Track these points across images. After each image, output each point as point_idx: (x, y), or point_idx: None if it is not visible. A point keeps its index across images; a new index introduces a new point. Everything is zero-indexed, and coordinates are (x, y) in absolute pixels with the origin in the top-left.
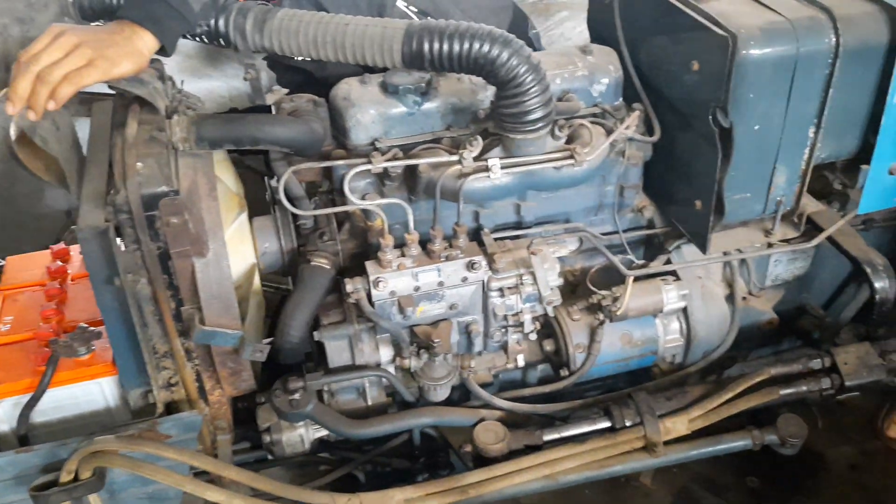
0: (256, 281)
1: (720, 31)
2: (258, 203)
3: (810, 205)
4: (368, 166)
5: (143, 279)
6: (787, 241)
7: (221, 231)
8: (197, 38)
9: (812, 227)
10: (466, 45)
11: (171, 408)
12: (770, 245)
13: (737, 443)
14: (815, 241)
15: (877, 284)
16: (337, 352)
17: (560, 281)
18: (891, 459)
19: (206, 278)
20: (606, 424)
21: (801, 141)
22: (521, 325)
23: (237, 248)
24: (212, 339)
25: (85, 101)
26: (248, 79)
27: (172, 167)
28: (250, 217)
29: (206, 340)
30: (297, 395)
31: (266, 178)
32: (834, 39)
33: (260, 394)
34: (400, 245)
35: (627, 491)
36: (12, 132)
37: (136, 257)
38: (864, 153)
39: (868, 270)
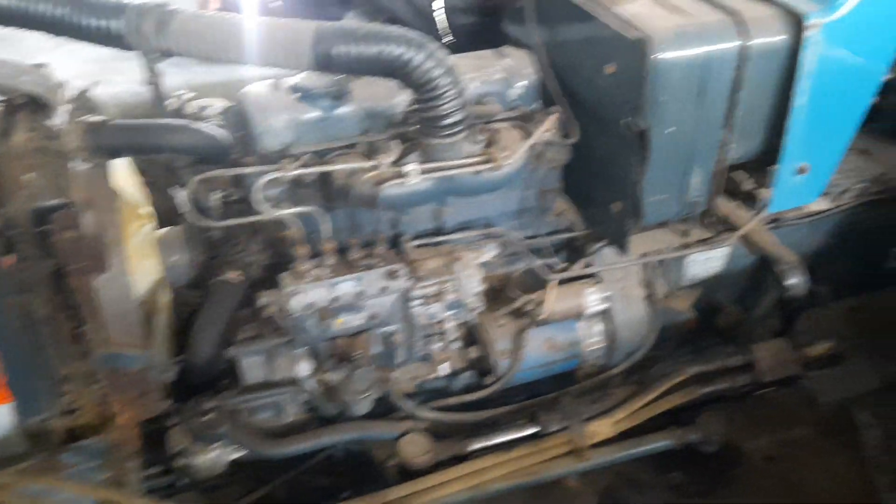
0: (164, 296)
1: (633, 35)
2: (169, 214)
3: (724, 205)
4: (280, 173)
5: (37, 299)
6: (703, 241)
7: (123, 245)
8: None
9: (726, 227)
10: (379, 48)
11: (74, 435)
12: (687, 245)
13: (660, 443)
14: (729, 241)
15: (789, 281)
16: (252, 368)
17: (482, 287)
18: (805, 450)
19: (108, 296)
20: (533, 430)
21: (713, 142)
22: (445, 333)
23: (142, 263)
24: (116, 361)
25: None
26: (150, 84)
27: (66, 178)
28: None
29: (109, 363)
30: (210, 416)
31: (172, 187)
32: (741, 42)
33: (171, 415)
34: (316, 255)
35: (553, 493)
36: None
37: (30, 275)
38: (773, 153)
39: (780, 268)
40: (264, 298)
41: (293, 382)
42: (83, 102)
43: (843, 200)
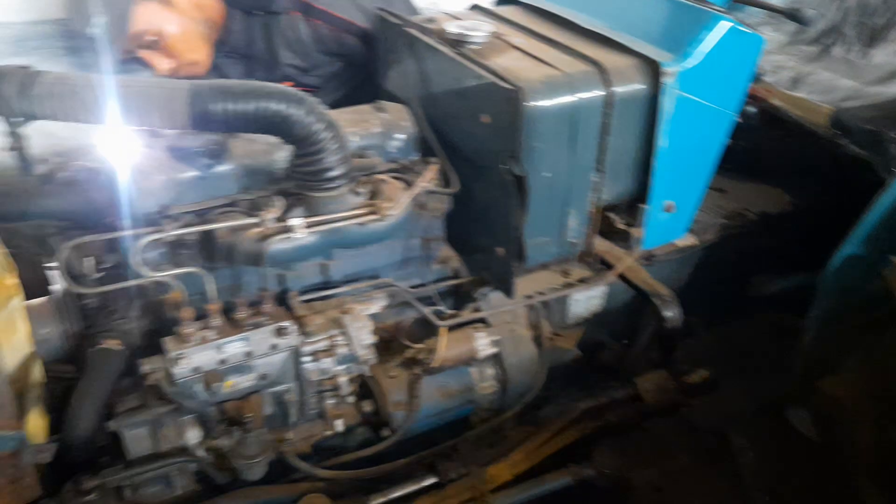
0: (36, 372)
1: (506, 85)
2: (37, 285)
3: (601, 244)
4: (160, 235)
5: None
6: (583, 280)
7: None
8: None
9: (604, 266)
10: (257, 105)
11: None
12: (569, 285)
13: (558, 482)
14: (607, 279)
15: (665, 314)
16: (136, 441)
17: (373, 339)
18: (689, 479)
19: None
20: (433, 480)
21: (586, 185)
22: (338, 388)
23: (9, 338)
24: None
25: None
26: (14, 149)
27: None
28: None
29: None
30: (92, 496)
31: (39, 256)
32: (606, 91)
33: (48, 500)
34: (201, 317)
35: None
36: None
37: None
38: (643, 194)
39: (656, 302)
40: (147, 365)
41: (181, 452)
42: None
43: (707, 236)
